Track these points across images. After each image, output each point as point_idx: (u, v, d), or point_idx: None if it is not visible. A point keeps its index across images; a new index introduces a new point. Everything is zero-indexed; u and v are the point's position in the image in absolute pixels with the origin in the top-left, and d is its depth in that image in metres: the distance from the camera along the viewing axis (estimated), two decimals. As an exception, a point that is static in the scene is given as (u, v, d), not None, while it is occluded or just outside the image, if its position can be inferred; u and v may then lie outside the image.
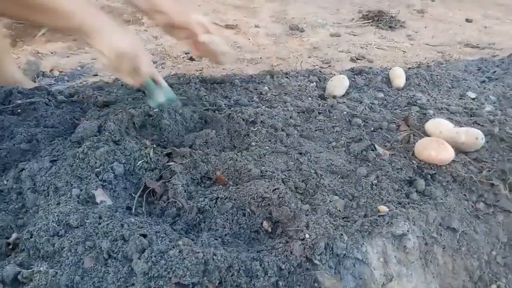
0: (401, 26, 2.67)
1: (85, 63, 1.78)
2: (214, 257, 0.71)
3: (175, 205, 0.88)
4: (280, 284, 0.71)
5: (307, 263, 0.75)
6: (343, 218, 0.87)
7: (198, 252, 0.71)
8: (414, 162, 1.07)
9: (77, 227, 0.76)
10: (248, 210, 0.86)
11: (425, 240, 0.87)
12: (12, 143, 1.02)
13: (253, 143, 1.09)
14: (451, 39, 2.53)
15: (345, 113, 1.30)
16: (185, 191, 0.90)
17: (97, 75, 1.69)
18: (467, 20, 2.90)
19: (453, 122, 1.22)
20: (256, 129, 1.15)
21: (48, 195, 0.86)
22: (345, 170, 1.04)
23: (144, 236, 0.75)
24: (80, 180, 0.88)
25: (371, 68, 1.77)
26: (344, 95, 1.48)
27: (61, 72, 1.70)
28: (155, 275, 0.68)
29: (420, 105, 1.41)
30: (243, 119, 1.17)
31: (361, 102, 1.41)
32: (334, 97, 1.45)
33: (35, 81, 1.57)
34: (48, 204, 0.82)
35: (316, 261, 0.74)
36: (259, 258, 0.74)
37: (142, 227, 0.77)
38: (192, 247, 0.72)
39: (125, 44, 0.99)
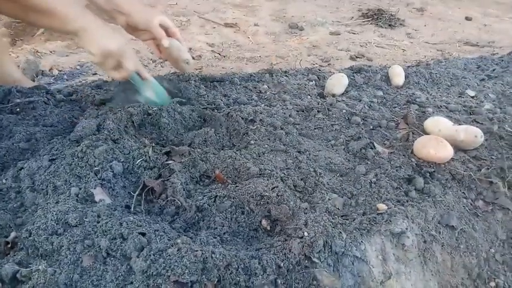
0: (400, 24, 2.66)
1: (84, 62, 1.78)
2: (213, 255, 0.71)
3: (174, 203, 0.88)
4: (279, 282, 0.72)
5: (306, 261, 0.75)
6: (342, 216, 0.87)
7: (197, 251, 0.71)
8: (413, 160, 1.07)
9: (76, 226, 0.76)
10: (247, 208, 0.86)
11: (424, 238, 0.87)
12: (11, 141, 1.02)
13: (252, 142, 1.09)
14: (451, 37, 2.53)
15: (344, 111, 1.30)
16: (184, 190, 0.90)
17: (96, 74, 1.69)
18: (467, 18, 2.90)
19: (452, 120, 1.22)
20: (255, 127, 1.15)
21: (47, 194, 0.86)
22: (344, 168, 1.04)
23: (143, 234, 0.75)
24: (79, 178, 0.88)
25: (370, 66, 1.77)
26: (343, 94, 1.48)
27: (60, 71, 1.70)
28: (154, 273, 0.68)
29: (420, 103, 1.40)
30: (242, 118, 1.17)
31: (360, 101, 1.41)
32: (333, 95, 1.45)
33: (34, 80, 1.57)
34: (47, 203, 0.82)
35: (315, 259, 0.74)
36: (258, 257, 0.74)
37: (140, 226, 0.77)
38: (190, 245, 0.72)
39: (112, 43, 1.02)
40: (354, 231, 0.81)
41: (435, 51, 2.28)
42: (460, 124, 1.19)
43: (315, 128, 1.23)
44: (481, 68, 1.86)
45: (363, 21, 2.67)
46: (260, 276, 0.71)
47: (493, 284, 0.90)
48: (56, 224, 0.76)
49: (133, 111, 1.10)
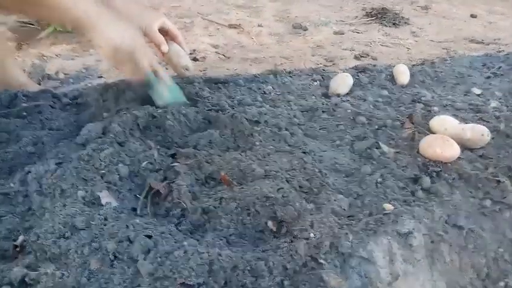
0: (405, 22, 2.65)
1: (90, 65, 1.79)
2: (219, 257, 0.71)
3: (180, 206, 0.88)
4: (286, 283, 0.71)
5: (313, 262, 0.74)
6: (348, 217, 0.87)
7: (203, 253, 0.71)
8: (420, 159, 1.06)
9: (83, 229, 0.77)
10: (253, 210, 0.86)
11: (431, 238, 0.86)
12: (18, 146, 1.03)
13: (257, 143, 1.09)
14: (456, 35, 2.51)
15: (349, 111, 1.30)
16: (189, 192, 0.91)
17: (101, 77, 1.70)
18: (472, 16, 2.87)
19: (458, 118, 1.21)
20: (260, 128, 1.15)
21: (54, 198, 0.86)
22: (350, 169, 1.04)
23: (149, 237, 0.75)
24: (86, 182, 0.88)
25: (374, 65, 1.76)
26: (347, 93, 1.47)
27: (66, 74, 1.71)
28: (161, 275, 0.68)
29: (425, 102, 1.40)
30: (247, 119, 1.17)
31: (365, 100, 1.40)
32: (338, 95, 1.45)
33: (40, 84, 1.58)
34: (54, 207, 0.82)
35: (321, 261, 0.74)
36: (264, 258, 0.74)
37: (147, 228, 0.77)
38: (197, 247, 0.72)
39: (123, 38, 0.98)
40: (360, 232, 0.81)
41: (441, 49, 2.26)
42: (466, 123, 1.18)
43: (320, 129, 1.22)
44: (486, 66, 1.84)
45: (368, 21, 2.66)
46: (267, 278, 0.71)
47: (502, 283, 0.90)
48: (64, 227, 0.77)
49: (138, 113, 1.11)
